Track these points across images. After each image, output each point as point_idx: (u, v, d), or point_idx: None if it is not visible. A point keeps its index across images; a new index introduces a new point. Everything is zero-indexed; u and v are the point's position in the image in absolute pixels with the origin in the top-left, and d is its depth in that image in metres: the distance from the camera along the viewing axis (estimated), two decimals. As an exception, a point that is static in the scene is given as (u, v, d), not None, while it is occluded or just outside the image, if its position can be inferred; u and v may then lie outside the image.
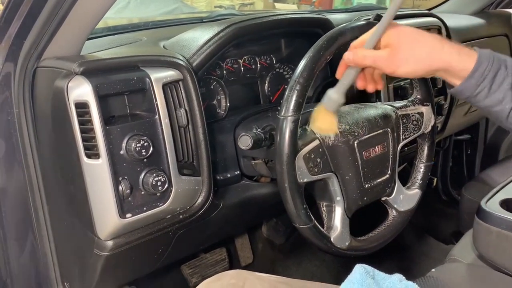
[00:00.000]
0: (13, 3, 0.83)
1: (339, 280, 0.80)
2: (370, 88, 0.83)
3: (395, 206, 1.00)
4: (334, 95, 0.80)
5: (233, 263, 1.59)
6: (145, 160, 0.81)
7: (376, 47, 0.75)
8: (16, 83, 0.87)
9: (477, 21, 1.83)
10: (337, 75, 0.81)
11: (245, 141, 0.88)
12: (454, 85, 0.73)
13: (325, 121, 0.82)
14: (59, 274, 0.98)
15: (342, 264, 1.65)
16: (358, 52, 0.75)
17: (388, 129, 0.96)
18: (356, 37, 0.89)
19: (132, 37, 1.12)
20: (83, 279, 0.94)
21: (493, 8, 2.02)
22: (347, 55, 0.77)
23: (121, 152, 0.79)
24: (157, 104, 0.82)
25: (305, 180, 0.83)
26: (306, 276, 1.66)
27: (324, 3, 5.19)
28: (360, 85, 0.82)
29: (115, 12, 3.14)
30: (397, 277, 0.80)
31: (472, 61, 0.70)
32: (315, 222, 0.85)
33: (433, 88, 1.37)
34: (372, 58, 0.74)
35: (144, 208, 0.83)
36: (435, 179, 2.07)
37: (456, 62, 0.70)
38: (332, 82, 1.21)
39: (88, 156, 0.77)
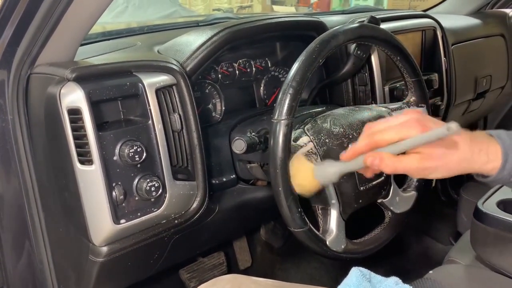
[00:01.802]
0: (5, 10, 0.83)
1: (338, 282, 0.80)
2: (371, 175, 0.79)
3: (391, 208, 1.00)
4: (331, 170, 0.74)
5: (231, 267, 1.58)
6: (138, 165, 0.81)
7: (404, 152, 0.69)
8: (10, 90, 0.87)
9: (474, 21, 1.83)
10: (344, 157, 0.73)
11: (239, 145, 0.88)
12: (485, 177, 0.72)
13: (307, 182, 0.79)
14: (55, 280, 0.97)
15: (341, 267, 1.64)
16: (386, 161, 0.67)
17: (383, 131, 0.95)
18: (349, 40, 0.89)
19: (127, 42, 1.12)
20: (79, 285, 0.93)
21: (489, 8, 2.03)
22: (372, 160, 0.68)
23: (115, 157, 0.79)
24: (150, 109, 0.82)
25: (300, 183, 0.83)
26: (305, 278, 1.65)
27: (322, 5, 5.19)
28: (368, 175, 0.78)
29: (113, 17, 3.15)
30: (393, 280, 0.80)
31: (499, 158, 0.68)
32: (310, 225, 0.85)
33: (429, 89, 1.38)
34: (403, 169, 0.68)
35: (138, 214, 0.82)
36: (434, 180, 2.07)
37: (484, 166, 0.69)
38: (327, 84, 1.22)
39: (81, 162, 0.77)
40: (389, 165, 0.68)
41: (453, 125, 0.60)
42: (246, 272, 1.62)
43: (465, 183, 1.70)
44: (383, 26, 1.20)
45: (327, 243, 0.88)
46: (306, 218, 0.84)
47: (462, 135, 0.69)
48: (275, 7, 5.44)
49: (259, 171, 1.01)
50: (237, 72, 1.16)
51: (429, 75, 1.42)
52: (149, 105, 0.82)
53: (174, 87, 0.86)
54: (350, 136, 0.90)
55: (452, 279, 1.02)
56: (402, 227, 1.03)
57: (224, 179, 1.03)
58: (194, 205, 0.90)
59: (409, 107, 1.03)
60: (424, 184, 1.07)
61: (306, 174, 0.78)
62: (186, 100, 0.87)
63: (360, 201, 0.92)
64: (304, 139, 0.87)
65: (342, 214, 0.90)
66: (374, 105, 1.08)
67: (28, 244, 0.96)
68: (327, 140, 0.88)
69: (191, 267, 1.47)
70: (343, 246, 0.90)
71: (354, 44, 1.13)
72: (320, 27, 1.14)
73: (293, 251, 1.70)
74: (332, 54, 0.87)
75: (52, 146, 0.83)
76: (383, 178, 0.95)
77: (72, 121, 0.76)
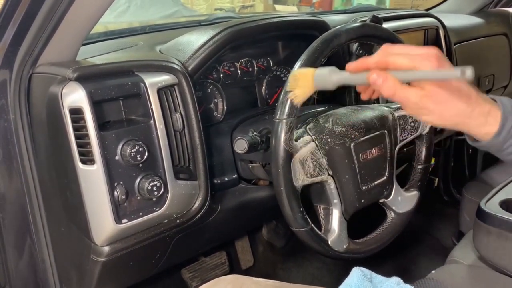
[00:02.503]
0: (7, 9, 0.83)
1: (340, 282, 0.80)
2: (367, 98, 0.77)
3: (394, 208, 1.00)
4: (333, 77, 0.70)
5: (233, 267, 1.58)
6: (140, 165, 0.81)
7: (408, 83, 0.67)
8: (12, 89, 0.88)
9: (476, 20, 1.83)
10: (349, 68, 0.70)
11: (240, 145, 0.88)
12: (478, 140, 0.69)
13: (303, 88, 0.74)
14: (57, 279, 0.97)
15: (343, 266, 1.64)
16: (388, 83, 0.64)
17: (385, 131, 0.95)
18: (351, 39, 0.89)
19: (128, 41, 1.12)
20: (81, 285, 0.93)
21: (492, 7, 2.02)
22: (375, 78, 0.65)
23: (116, 157, 0.79)
24: (152, 109, 0.82)
25: (301, 183, 0.83)
26: (307, 278, 1.65)
27: (324, 4, 5.18)
28: (364, 97, 0.77)
29: (115, 16, 3.15)
30: (395, 280, 0.80)
31: (497, 123, 0.66)
32: (312, 225, 0.85)
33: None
34: (401, 97, 0.65)
35: (140, 213, 0.82)
36: (437, 179, 2.06)
37: (479, 128, 0.67)
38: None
39: (83, 162, 0.77)
40: (390, 88, 0.64)
41: (468, 71, 0.57)
42: (248, 271, 1.62)
43: (467, 182, 1.69)
44: (386, 25, 1.20)
45: (329, 243, 0.88)
46: (308, 217, 0.84)
47: (471, 89, 0.66)
48: (277, 7, 5.44)
49: (261, 171, 1.01)
50: (239, 71, 1.15)
51: (431, 74, 1.42)
52: (150, 105, 0.82)
53: (176, 86, 0.86)
54: (352, 136, 0.90)
55: (454, 279, 1.01)
56: (405, 227, 1.03)
57: (226, 179, 1.03)
58: (196, 204, 0.90)
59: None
60: (427, 184, 1.07)
61: (306, 79, 0.73)
62: (188, 100, 0.87)
63: (362, 200, 0.92)
64: (306, 139, 0.86)
65: (344, 213, 0.90)
66: (376, 104, 1.08)
67: (30, 243, 0.96)
68: (329, 140, 0.88)
69: (193, 267, 1.47)
70: (345, 246, 0.90)
71: (357, 44, 1.12)
72: (322, 27, 1.14)
73: (295, 251, 1.70)
74: (334, 53, 0.87)
75: (54, 146, 0.83)
76: (385, 178, 0.95)
77: (74, 121, 0.76)
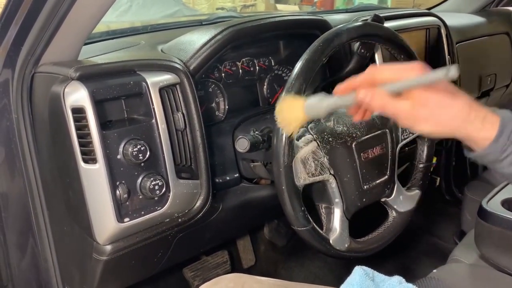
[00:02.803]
0: (9, 9, 0.83)
1: (341, 281, 0.80)
2: (359, 119, 0.75)
3: (395, 207, 1.00)
4: (322, 104, 0.69)
5: (235, 266, 1.58)
6: (142, 164, 0.81)
7: (398, 94, 0.66)
8: (14, 89, 0.88)
9: (478, 19, 1.82)
10: (337, 90, 0.70)
11: (242, 144, 0.88)
12: (476, 150, 0.67)
13: (293, 116, 0.72)
14: (59, 278, 0.98)
15: (345, 265, 1.64)
16: (377, 97, 0.64)
17: (387, 130, 0.95)
18: (353, 39, 0.89)
19: (130, 41, 1.12)
20: (84, 283, 0.94)
21: (494, 6, 2.02)
22: (363, 95, 0.65)
23: (118, 156, 0.79)
24: (153, 108, 0.82)
25: (303, 182, 0.83)
26: (309, 277, 1.65)
27: (325, 3, 5.18)
28: (356, 118, 0.74)
29: (116, 16, 3.15)
30: (397, 279, 0.80)
31: (495, 128, 0.63)
32: (314, 224, 0.85)
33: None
34: (392, 109, 0.64)
35: (142, 212, 0.83)
36: (438, 178, 2.06)
37: (477, 132, 0.64)
38: (330, 82, 1.22)
39: (85, 161, 0.77)
40: (379, 102, 0.64)
41: (453, 69, 0.57)
42: (250, 270, 1.62)
43: (469, 181, 1.69)
44: (387, 24, 1.20)
45: (331, 242, 0.88)
46: (309, 217, 0.84)
47: (463, 95, 0.65)
48: (279, 6, 5.43)
49: (263, 170, 1.01)
50: (240, 71, 1.16)
51: (433, 73, 1.42)
52: (152, 104, 0.82)
53: (177, 86, 0.86)
54: (354, 135, 0.90)
55: (456, 278, 1.01)
56: (406, 226, 1.03)
57: (228, 178, 1.03)
58: (198, 203, 0.90)
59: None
60: (428, 183, 1.07)
61: (296, 109, 0.72)
62: (190, 99, 0.87)
63: (364, 199, 0.92)
64: (307, 138, 0.87)
65: (346, 213, 0.90)
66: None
67: (33, 242, 0.96)
68: (330, 139, 0.88)
69: (194, 266, 1.47)
70: (346, 245, 0.90)
71: (358, 43, 1.12)
72: (323, 26, 1.14)
73: (297, 250, 1.70)
74: (335, 52, 0.87)
75: (56, 145, 0.83)
76: (386, 177, 0.95)
77: (76, 120, 0.77)
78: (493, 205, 1.04)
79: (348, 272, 0.81)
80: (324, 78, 1.21)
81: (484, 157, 0.66)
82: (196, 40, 0.96)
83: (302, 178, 0.83)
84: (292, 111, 0.72)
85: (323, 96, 0.70)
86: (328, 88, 1.24)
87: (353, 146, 0.89)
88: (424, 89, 0.63)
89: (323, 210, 0.91)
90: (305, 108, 0.71)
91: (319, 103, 0.69)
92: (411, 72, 0.63)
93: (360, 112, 0.72)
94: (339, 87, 0.69)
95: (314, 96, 0.70)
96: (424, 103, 0.63)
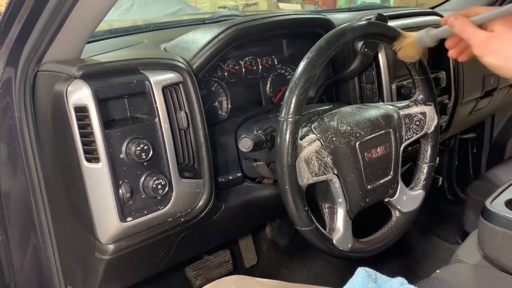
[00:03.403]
0: (12, 7, 0.83)
1: (344, 281, 0.80)
2: (454, 55, 0.83)
3: (398, 207, 0.99)
4: (431, 33, 0.84)
5: (237, 265, 1.58)
6: (145, 163, 0.81)
7: (482, 26, 0.73)
8: (17, 87, 0.88)
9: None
10: (442, 21, 0.81)
11: (245, 143, 0.88)
12: None
13: (411, 50, 0.90)
14: (62, 277, 0.98)
15: (347, 265, 1.64)
16: (461, 21, 0.73)
17: (390, 130, 0.95)
18: (357, 38, 0.88)
19: (133, 39, 1.12)
20: (86, 283, 0.93)
21: (498, 6, 2.00)
22: (451, 18, 0.75)
23: (121, 155, 0.79)
24: (157, 107, 0.82)
25: (306, 182, 0.83)
26: (311, 277, 1.65)
27: (328, 2, 5.17)
28: (452, 53, 0.82)
29: (119, 14, 3.15)
30: (399, 280, 0.79)
31: None
32: (317, 224, 0.85)
33: (437, 87, 1.37)
34: (469, 34, 0.72)
35: (145, 212, 0.82)
36: (441, 178, 2.06)
37: None
38: (334, 82, 1.21)
39: (88, 160, 0.77)
40: (460, 24, 0.73)
41: None
42: (252, 270, 1.62)
43: (472, 182, 1.69)
44: (391, 23, 1.19)
45: (334, 242, 0.88)
46: (312, 216, 0.84)
47: None
48: (281, 5, 5.42)
49: (265, 169, 1.01)
50: (243, 70, 1.15)
51: (436, 73, 1.41)
52: (155, 103, 0.82)
53: (180, 85, 0.86)
54: (357, 135, 0.90)
55: (459, 279, 1.01)
56: (409, 226, 1.02)
57: (230, 177, 1.03)
58: (201, 203, 0.90)
59: (416, 105, 1.02)
60: (431, 183, 1.07)
61: (411, 43, 0.89)
62: (193, 98, 0.87)
63: (367, 199, 0.91)
64: (311, 137, 0.86)
65: (349, 213, 0.90)
66: (381, 103, 1.08)
67: (35, 241, 0.96)
68: (334, 139, 0.87)
69: (197, 265, 1.47)
70: (350, 245, 0.90)
71: (362, 42, 1.12)
72: (327, 25, 1.13)
73: (299, 250, 1.70)
74: (339, 51, 0.87)
75: (58, 144, 0.83)
76: (390, 177, 0.95)
77: (79, 119, 0.76)
78: (497, 205, 1.03)
79: (350, 272, 0.80)
80: (328, 77, 1.21)
81: None
82: (199, 39, 0.96)
83: (306, 178, 0.83)
84: (408, 46, 0.89)
85: (429, 29, 0.85)
86: (331, 87, 1.23)
87: (357, 145, 0.89)
88: (504, 25, 0.69)
89: (326, 210, 0.90)
90: (416, 40, 0.87)
91: (427, 34, 0.85)
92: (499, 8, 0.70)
93: (458, 48, 0.81)
94: (444, 18, 0.80)
95: (423, 30, 0.86)
96: (499, 36, 0.70)
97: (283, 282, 0.85)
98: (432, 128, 1.03)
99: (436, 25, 1.47)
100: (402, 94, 1.26)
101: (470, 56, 0.81)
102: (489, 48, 0.70)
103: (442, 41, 0.85)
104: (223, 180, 1.01)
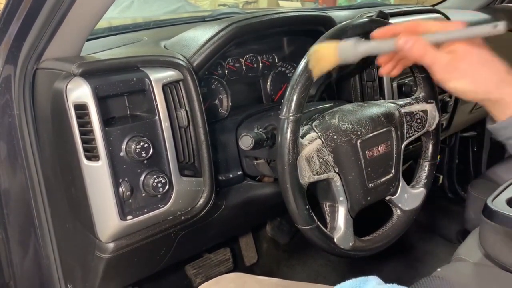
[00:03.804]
0: (11, 4, 0.82)
1: (344, 279, 0.79)
2: (387, 72, 0.74)
3: (400, 205, 0.99)
4: (358, 48, 0.68)
5: (237, 263, 1.58)
6: (145, 161, 0.80)
7: (439, 46, 0.65)
8: (16, 85, 0.87)
9: (483, 16, 1.81)
10: (375, 35, 0.70)
11: (246, 141, 0.87)
12: (497, 120, 0.65)
13: (325, 58, 0.73)
14: (61, 275, 0.97)
15: (348, 264, 1.64)
16: (418, 45, 0.63)
17: (392, 128, 0.94)
18: (358, 35, 0.88)
19: (133, 37, 1.11)
20: (86, 281, 0.93)
21: (499, 3, 2.00)
22: (404, 42, 0.63)
23: (121, 153, 0.78)
24: (157, 105, 0.82)
25: (307, 180, 0.82)
26: (311, 275, 1.65)
27: (328, 0, 5.16)
28: (385, 70, 0.73)
29: (118, 12, 3.14)
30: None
31: None
32: (318, 222, 0.84)
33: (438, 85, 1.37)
34: (432, 59, 0.63)
35: (145, 210, 0.82)
36: (441, 176, 2.06)
37: (510, 96, 0.62)
38: (335, 79, 1.21)
39: (88, 158, 0.77)
40: (420, 49, 0.63)
41: (500, 24, 0.57)
42: (252, 268, 1.62)
43: (473, 180, 1.68)
44: (392, 21, 1.18)
45: (335, 240, 0.87)
46: (313, 215, 0.84)
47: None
48: (281, 2, 5.41)
49: (266, 168, 1.01)
50: (244, 67, 1.15)
51: (437, 71, 1.41)
52: (155, 101, 0.81)
53: (180, 82, 0.86)
54: (359, 133, 0.89)
55: (460, 277, 1.01)
56: (411, 225, 1.02)
57: (231, 175, 1.02)
58: (201, 201, 0.90)
59: (418, 103, 1.01)
60: (432, 181, 1.06)
61: (329, 52, 0.72)
62: (193, 96, 0.87)
63: (368, 198, 0.91)
64: (312, 136, 0.86)
65: (350, 211, 0.89)
66: (382, 101, 1.07)
67: (35, 239, 0.96)
68: (335, 137, 0.87)
69: (197, 263, 1.47)
70: (351, 244, 0.89)
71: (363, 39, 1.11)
72: (328, 22, 1.13)
73: (299, 248, 1.70)
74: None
75: (58, 142, 0.83)
76: (391, 175, 0.94)
77: (78, 117, 0.76)
78: (499, 203, 1.03)
79: (351, 270, 0.80)
80: (329, 75, 1.20)
81: (503, 129, 0.64)
82: (200, 36, 0.95)
83: (307, 176, 0.82)
84: (325, 54, 0.71)
85: (358, 40, 0.69)
86: (332, 85, 1.23)
87: (358, 144, 0.88)
88: (467, 43, 0.62)
89: (327, 208, 0.90)
90: (338, 50, 0.70)
91: (354, 46, 0.68)
92: (454, 26, 0.63)
93: (391, 64, 0.71)
94: (378, 31, 0.68)
95: (349, 40, 0.69)
96: (464, 57, 0.62)
97: (283, 280, 0.85)
98: (434, 126, 1.02)
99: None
100: (403, 92, 1.26)
101: (402, 69, 0.74)
102: (456, 72, 0.63)
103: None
104: (224, 178, 1.01)
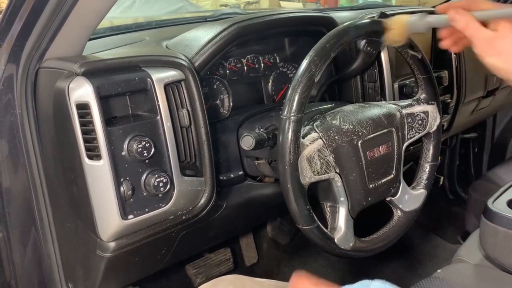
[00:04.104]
0: (14, 4, 0.82)
1: (345, 280, 0.80)
2: (447, 46, 0.80)
3: (400, 206, 0.99)
4: (427, 19, 0.79)
5: (237, 263, 1.58)
6: (146, 161, 0.81)
7: (484, 23, 0.70)
8: (19, 84, 0.87)
9: (484, 17, 1.81)
10: (438, 8, 0.77)
11: (247, 142, 0.88)
12: None
13: (399, 33, 0.84)
14: (62, 274, 0.97)
15: (348, 264, 1.64)
16: (464, 16, 0.70)
17: (393, 129, 0.94)
18: (360, 36, 0.88)
19: (135, 37, 1.12)
20: (87, 280, 0.93)
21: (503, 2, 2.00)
22: (453, 11, 0.71)
23: (123, 153, 0.79)
24: (158, 105, 0.82)
25: (309, 180, 0.82)
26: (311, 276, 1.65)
27: (329, 1, 5.16)
28: (445, 43, 0.80)
29: (120, 12, 3.15)
30: None
31: None
32: (319, 223, 0.84)
33: (439, 87, 1.37)
34: (472, 31, 0.69)
35: (146, 209, 0.82)
36: (442, 177, 2.05)
37: None
38: (336, 80, 1.21)
39: (90, 157, 0.77)
40: (463, 19, 0.69)
41: None
42: (252, 268, 1.62)
43: (474, 181, 1.68)
44: (393, 22, 1.19)
45: (336, 241, 0.87)
46: (314, 215, 0.84)
47: None
48: (282, 3, 5.42)
49: (267, 168, 1.01)
50: (245, 67, 1.15)
51: (439, 72, 1.41)
52: (157, 101, 0.82)
53: (182, 82, 0.86)
54: (360, 133, 0.89)
55: (460, 278, 1.01)
56: (411, 226, 1.02)
57: (232, 175, 1.03)
58: (202, 201, 0.90)
59: (419, 104, 1.01)
60: (433, 182, 1.06)
61: (402, 26, 0.83)
62: (195, 96, 0.87)
63: (369, 198, 0.91)
64: (313, 136, 0.86)
65: (351, 211, 0.89)
66: (384, 102, 1.07)
67: (36, 238, 0.96)
68: (336, 137, 0.87)
69: (197, 263, 1.47)
70: (351, 244, 0.90)
71: (364, 40, 1.11)
72: (329, 23, 1.13)
73: (300, 248, 1.70)
74: (341, 50, 0.86)
75: (60, 141, 0.83)
76: (392, 176, 0.95)
77: (80, 116, 0.76)
78: (499, 205, 1.03)
79: (351, 270, 0.80)
80: (330, 76, 1.20)
81: None
82: (202, 37, 0.96)
83: (308, 177, 0.82)
84: (398, 28, 0.84)
85: (424, 15, 0.80)
86: (333, 85, 1.23)
87: (359, 144, 0.89)
88: (510, 28, 0.66)
89: (328, 209, 0.90)
90: (409, 24, 0.82)
91: (421, 19, 0.80)
92: (505, 7, 0.68)
93: (451, 39, 0.78)
94: (441, 6, 0.76)
95: (417, 14, 0.81)
96: (504, 37, 0.67)
97: (281, 282, 0.85)
98: (435, 127, 1.02)
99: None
100: (405, 93, 1.26)
101: (463, 47, 0.79)
102: (492, 49, 0.68)
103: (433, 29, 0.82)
104: (225, 178, 1.01)
